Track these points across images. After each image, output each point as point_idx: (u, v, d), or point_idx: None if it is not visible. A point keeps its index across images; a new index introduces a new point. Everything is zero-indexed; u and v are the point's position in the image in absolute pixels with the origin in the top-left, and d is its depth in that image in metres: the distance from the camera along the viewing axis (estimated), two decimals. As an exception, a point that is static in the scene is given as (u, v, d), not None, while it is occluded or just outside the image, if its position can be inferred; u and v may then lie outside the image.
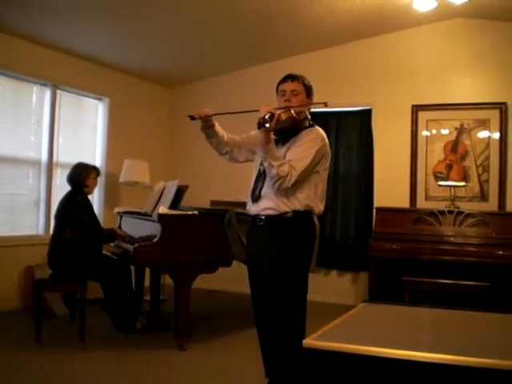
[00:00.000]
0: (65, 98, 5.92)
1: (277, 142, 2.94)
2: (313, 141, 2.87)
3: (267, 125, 2.66)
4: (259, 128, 2.69)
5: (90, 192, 4.73)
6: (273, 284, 2.88)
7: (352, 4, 5.11)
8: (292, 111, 2.81)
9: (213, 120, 3.06)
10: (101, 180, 6.36)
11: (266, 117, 2.65)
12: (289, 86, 2.93)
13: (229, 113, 2.99)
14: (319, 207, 2.95)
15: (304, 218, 2.89)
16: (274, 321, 2.91)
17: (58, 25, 5.10)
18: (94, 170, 4.73)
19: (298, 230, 2.87)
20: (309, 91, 2.98)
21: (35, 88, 5.62)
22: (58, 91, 5.79)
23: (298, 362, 2.66)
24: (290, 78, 2.95)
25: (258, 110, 2.75)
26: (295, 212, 2.85)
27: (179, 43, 5.89)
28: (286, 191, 2.83)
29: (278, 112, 2.76)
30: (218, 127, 3.10)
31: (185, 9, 5.03)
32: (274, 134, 2.97)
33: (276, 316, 2.88)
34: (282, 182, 2.77)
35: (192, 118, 2.98)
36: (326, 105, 2.79)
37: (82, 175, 4.61)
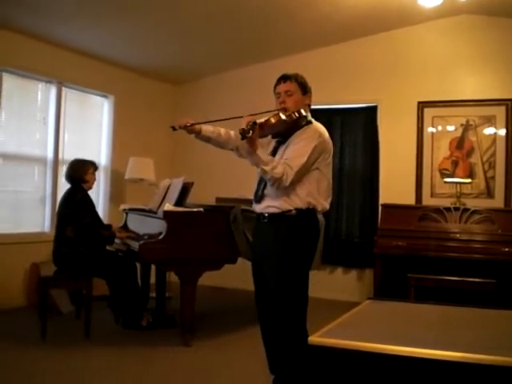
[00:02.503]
0: (70, 96, 5.92)
1: (279, 144, 2.98)
2: (308, 138, 2.86)
3: (248, 134, 2.65)
4: (242, 139, 2.70)
5: (90, 187, 4.70)
6: (274, 281, 2.90)
7: (357, 0, 5.09)
8: (281, 114, 2.81)
9: (197, 127, 3.09)
10: (106, 177, 6.39)
11: (248, 127, 2.65)
12: (282, 88, 2.95)
13: (209, 121, 2.98)
14: (322, 204, 2.94)
15: (307, 216, 2.89)
16: (276, 317, 2.92)
17: (63, 22, 5.10)
18: (91, 164, 4.69)
19: (301, 228, 2.88)
20: (304, 88, 2.98)
21: (41, 85, 5.62)
22: (63, 88, 5.79)
23: (300, 359, 2.68)
24: (283, 78, 2.97)
25: (241, 117, 2.76)
26: (298, 210, 2.86)
27: (184, 41, 5.89)
28: (286, 189, 2.85)
29: (264, 119, 2.77)
30: (207, 131, 3.13)
31: (189, 6, 5.02)
32: (273, 137, 3.01)
33: (278, 312, 2.90)
34: (280, 183, 2.80)
35: (174, 128, 3.01)
36: None
37: (80, 171, 4.58)
